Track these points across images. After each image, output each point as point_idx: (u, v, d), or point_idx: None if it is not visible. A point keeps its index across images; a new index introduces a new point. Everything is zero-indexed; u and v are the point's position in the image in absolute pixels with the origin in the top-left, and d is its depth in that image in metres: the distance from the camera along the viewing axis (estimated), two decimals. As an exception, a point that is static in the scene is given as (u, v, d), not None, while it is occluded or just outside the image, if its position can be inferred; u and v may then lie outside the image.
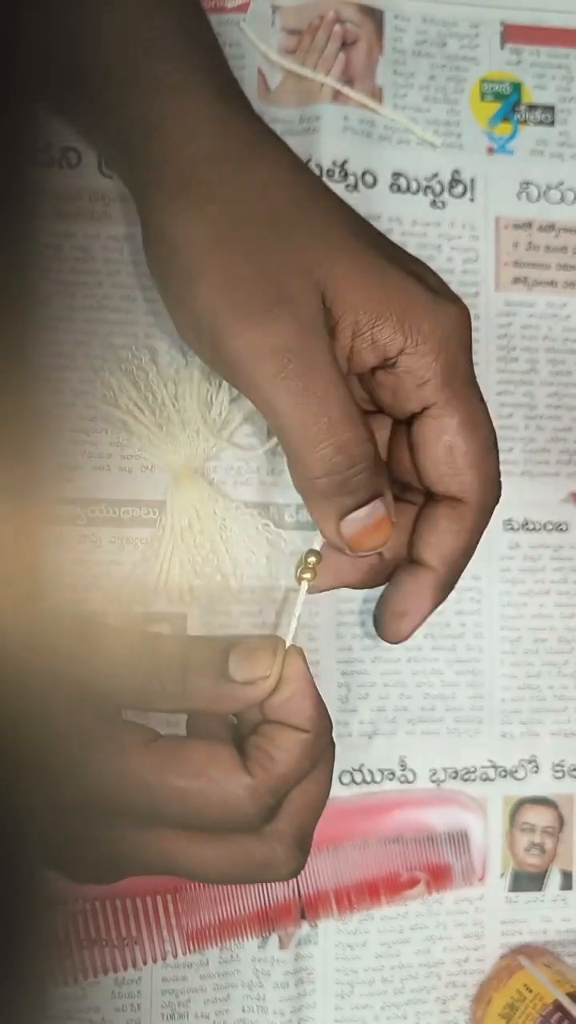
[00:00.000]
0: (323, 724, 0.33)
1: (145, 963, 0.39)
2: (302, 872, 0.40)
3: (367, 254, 0.33)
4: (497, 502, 0.35)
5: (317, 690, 0.33)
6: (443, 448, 0.33)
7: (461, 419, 0.33)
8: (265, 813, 0.32)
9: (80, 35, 0.35)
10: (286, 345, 0.31)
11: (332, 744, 0.34)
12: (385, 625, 0.36)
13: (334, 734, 0.41)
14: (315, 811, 0.34)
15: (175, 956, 0.40)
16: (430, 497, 0.35)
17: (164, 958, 0.40)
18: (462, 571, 0.35)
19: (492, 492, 0.34)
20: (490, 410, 0.42)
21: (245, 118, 0.35)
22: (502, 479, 0.43)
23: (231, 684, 0.32)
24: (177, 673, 0.32)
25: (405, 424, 0.35)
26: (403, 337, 0.32)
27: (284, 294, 0.32)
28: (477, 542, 0.35)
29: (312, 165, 0.43)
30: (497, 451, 0.34)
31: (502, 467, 0.43)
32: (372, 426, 0.34)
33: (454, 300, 0.34)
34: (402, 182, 0.44)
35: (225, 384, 0.41)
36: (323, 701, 0.33)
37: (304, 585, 0.35)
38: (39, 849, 0.29)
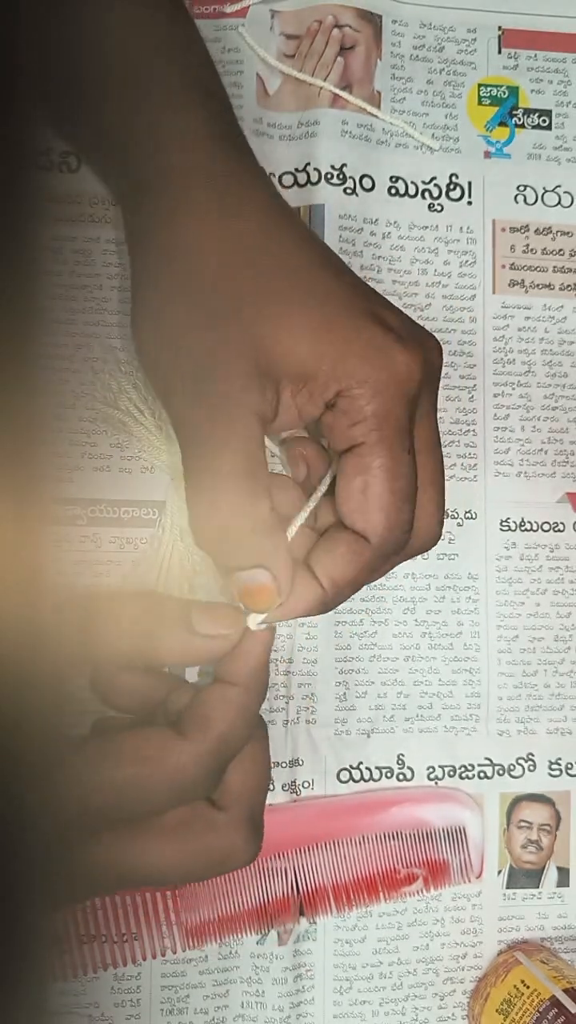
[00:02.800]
0: (256, 685, 0.34)
1: (145, 959, 0.40)
2: (301, 869, 0.40)
3: (313, 312, 0.34)
4: (402, 547, 0.35)
5: (264, 654, 0.34)
6: (357, 485, 0.34)
7: (381, 463, 0.34)
8: (212, 776, 0.33)
9: (79, 47, 0.36)
10: (201, 416, 0.34)
11: (264, 723, 0.35)
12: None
13: (333, 732, 0.42)
14: (260, 791, 0.35)
15: (174, 952, 0.40)
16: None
17: (163, 954, 0.40)
18: (346, 598, 0.36)
19: (394, 539, 0.35)
20: (487, 411, 0.43)
21: (234, 162, 0.36)
22: (499, 479, 0.43)
23: (196, 637, 0.34)
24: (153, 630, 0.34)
25: None
26: (336, 384, 0.33)
27: (220, 366, 0.33)
28: (367, 579, 0.36)
29: (311, 169, 0.43)
30: (412, 504, 0.35)
31: (499, 468, 0.43)
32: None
33: (408, 347, 0.34)
34: (400, 186, 0.44)
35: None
36: (266, 667, 0.34)
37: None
38: (39, 845, 0.30)
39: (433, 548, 0.37)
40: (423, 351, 0.34)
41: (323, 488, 0.36)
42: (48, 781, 0.31)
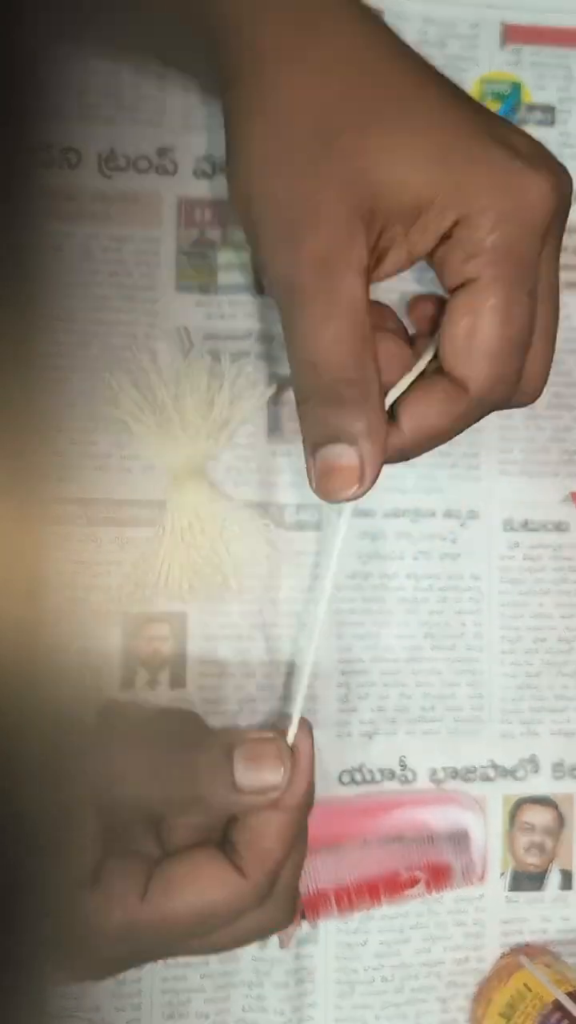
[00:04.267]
0: (309, 801, 0.34)
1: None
2: (302, 872, 0.40)
3: (426, 135, 0.31)
4: (505, 402, 0.33)
5: (312, 767, 0.34)
6: (464, 327, 0.31)
7: (495, 304, 0.30)
8: (266, 896, 0.33)
9: None
10: (303, 276, 0.30)
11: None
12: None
13: (335, 734, 0.42)
14: (300, 868, 0.35)
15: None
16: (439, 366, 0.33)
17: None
18: (430, 449, 0.33)
19: (498, 392, 0.32)
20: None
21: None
22: (503, 479, 0.43)
23: (241, 794, 0.33)
24: (188, 787, 0.33)
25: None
26: (455, 211, 0.30)
27: (319, 217, 0.30)
28: (460, 431, 0.33)
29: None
30: (523, 354, 0.32)
31: (502, 467, 0.43)
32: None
33: (541, 173, 0.31)
34: (402, 182, 0.44)
35: (226, 384, 0.41)
36: (313, 776, 0.34)
37: (304, 683, 0.36)
38: (39, 851, 0.29)
39: (535, 402, 0.35)
40: (557, 179, 0.31)
41: (429, 354, 0.33)
42: (52, 782, 0.30)
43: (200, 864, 0.33)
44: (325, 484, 0.31)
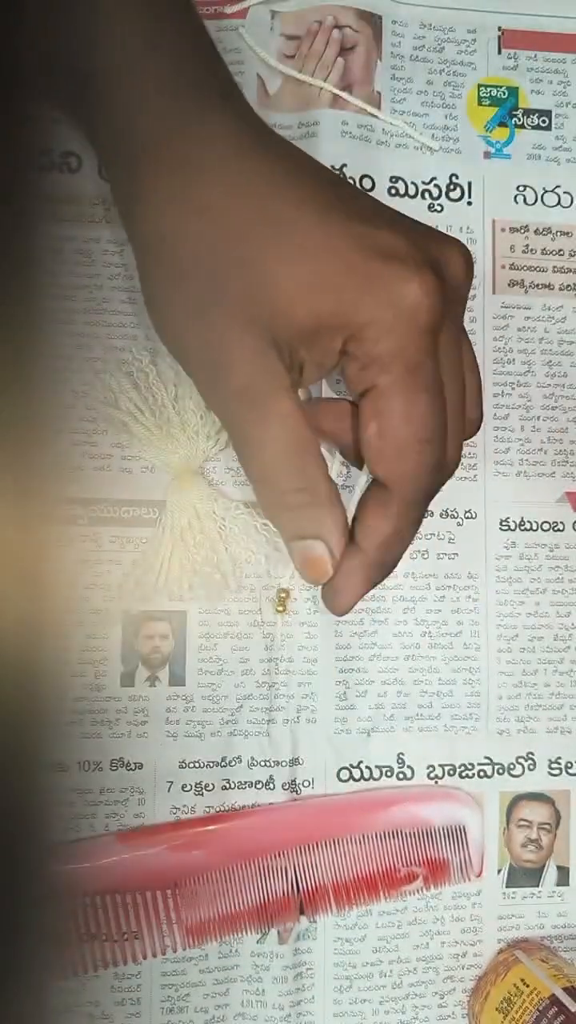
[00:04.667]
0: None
1: (145, 957, 0.40)
2: (301, 868, 0.40)
3: (301, 266, 0.32)
4: (435, 489, 0.35)
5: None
6: (372, 432, 0.33)
7: (394, 406, 0.32)
8: None
9: (83, 37, 0.35)
10: (233, 411, 0.33)
11: None
12: (325, 600, 0.37)
13: (333, 731, 0.42)
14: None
15: (175, 951, 0.40)
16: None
17: (164, 952, 0.40)
18: (396, 557, 0.36)
19: (419, 485, 0.33)
20: (487, 411, 0.43)
21: (242, 120, 0.34)
22: (498, 479, 0.43)
23: None
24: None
25: None
26: (341, 332, 0.32)
27: (231, 356, 0.32)
28: (407, 530, 0.35)
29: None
30: (439, 444, 0.33)
31: (498, 467, 0.43)
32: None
33: (416, 273, 0.31)
34: (400, 186, 0.44)
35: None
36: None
37: None
38: (42, 842, 0.30)
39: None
40: (434, 271, 0.32)
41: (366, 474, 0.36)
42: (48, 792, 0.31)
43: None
44: (305, 573, 0.36)
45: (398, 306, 0.31)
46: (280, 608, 0.40)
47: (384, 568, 0.36)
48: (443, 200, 0.44)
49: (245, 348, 0.32)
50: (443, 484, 0.36)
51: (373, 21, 0.44)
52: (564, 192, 0.45)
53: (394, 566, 0.37)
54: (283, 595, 0.40)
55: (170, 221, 0.33)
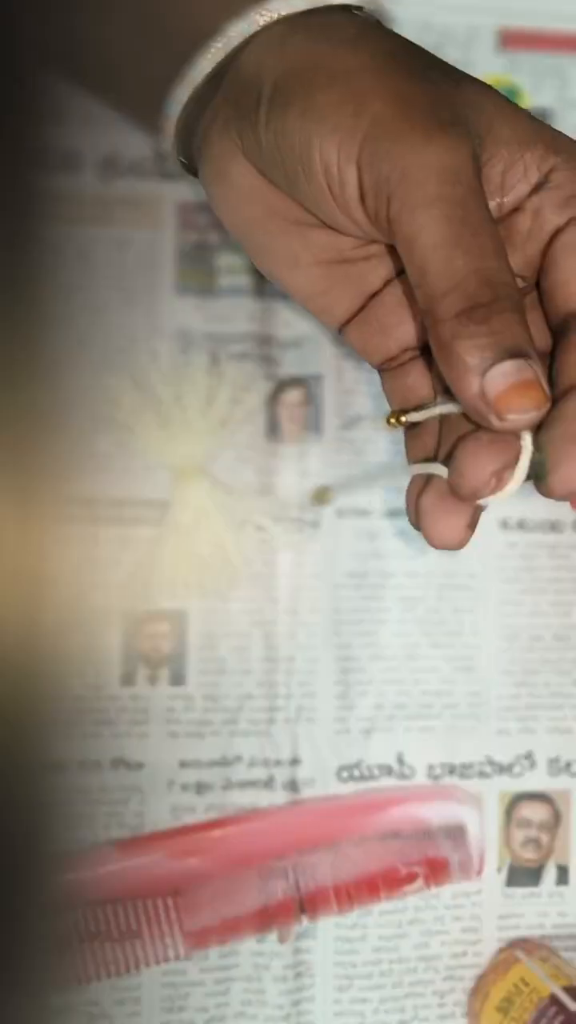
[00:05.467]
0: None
1: (148, 965, 0.40)
2: (301, 869, 0.40)
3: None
4: None
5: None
6: None
7: None
8: None
9: None
10: (456, 167, 0.28)
11: None
12: (560, 484, 0.29)
13: (333, 731, 0.42)
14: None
15: (177, 958, 0.40)
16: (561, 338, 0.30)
17: (166, 960, 0.40)
18: None
19: None
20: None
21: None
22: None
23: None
24: None
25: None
26: (554, 156, 0.29)
27: (457, 117, 0.29)
28: None
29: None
30: None
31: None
32: None
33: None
34: (400, 186, 0.44)
35: (226, 383, 0.41)
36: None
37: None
38: (42, 843, 0.30)
39: None
40: None
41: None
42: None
43: None
44: (506, 407, 0.27)
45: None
46: (322, 501, 0.36)
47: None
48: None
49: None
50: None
51: (373, 21, 0.44)
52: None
53: None
54: (323, 491, 0.36)
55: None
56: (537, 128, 0.30)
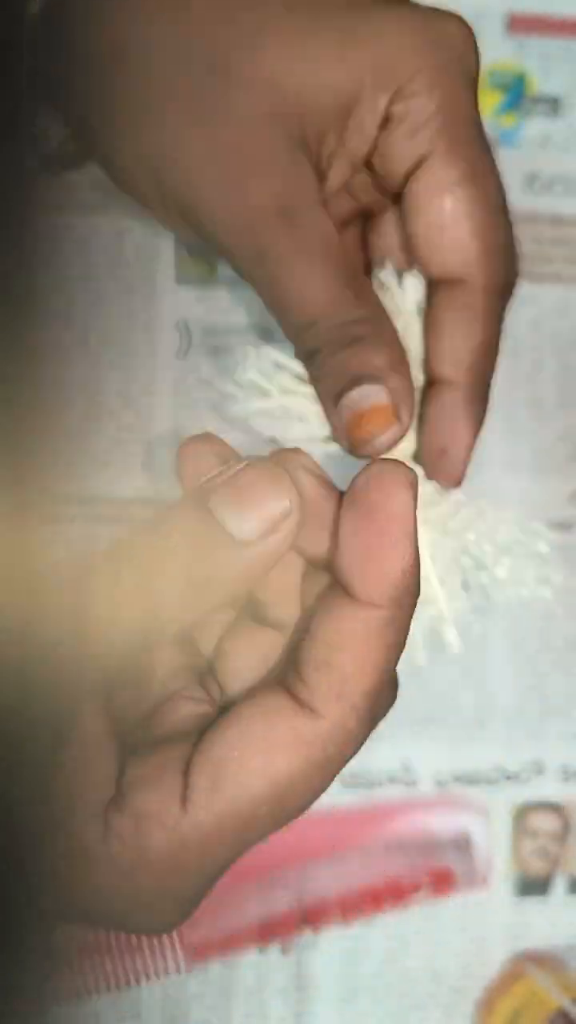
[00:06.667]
0: (411, 601, 0.23)
1: (149, 980, 0.39)
2: (304, 879, 0.40)
3: (320, 24, 0.27)
4: (513, 282, 0.29)
5: (415, 543, 0.22)
6: (437, 210, 0.27)
7: (461, 172, 0.27)
8: (361, 738, 0.25)
9: None
10: (267, 231, 0.27)
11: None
12: (431, 470, 0.30)
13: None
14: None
15: (178, 972, 0.39)
16: (430, 294, 0.29)
17: (167, 974, 0.39)
18: (490, 376, 0.29)
19: (501, 266, 0.28)
20: (495, 407, 0.42)
21: None
22: (509, 478, 0.43)
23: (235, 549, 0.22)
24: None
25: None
26: (386, 90, 0.26)
27: (258, 161, 0.27)
28: (496, 335, 0.29)
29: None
30: (507, 216, 0.28)
31: (508, 465, 0.43)
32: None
33: (451, 18, 0.28)
34: (406, 174, 0.43)
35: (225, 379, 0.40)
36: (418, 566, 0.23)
37: None
38: (40, 870, 0.28)
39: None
40: (462, 19, 0.27)
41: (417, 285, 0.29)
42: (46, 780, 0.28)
43: (252, 720, 0.23)
44: (357, 433, 0.26)
45: (447, 45, 0.27)
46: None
47: (483, 398, 0.29)
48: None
49: (275, 149, 0.26)
50: (517, 279, 0.29)
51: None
52: (573, 181, 0.44)
53: (488, 396, 0.30)
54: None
55: (149, 24, 0.27)
56: (356, 65, 0.27)
